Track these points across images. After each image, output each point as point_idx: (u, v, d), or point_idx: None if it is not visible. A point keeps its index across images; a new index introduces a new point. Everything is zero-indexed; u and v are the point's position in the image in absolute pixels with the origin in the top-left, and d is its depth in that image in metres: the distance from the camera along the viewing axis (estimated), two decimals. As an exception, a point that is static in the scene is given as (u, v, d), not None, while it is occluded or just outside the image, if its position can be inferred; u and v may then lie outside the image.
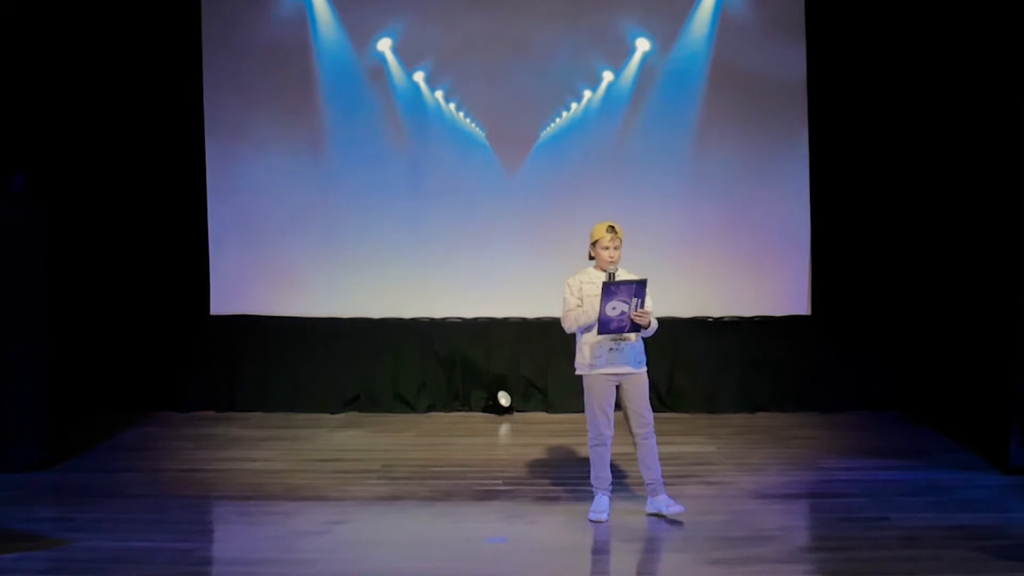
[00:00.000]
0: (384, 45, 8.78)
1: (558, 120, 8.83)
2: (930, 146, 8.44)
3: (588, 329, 5.98)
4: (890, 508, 6.24)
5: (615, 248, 5.94)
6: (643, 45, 8.77)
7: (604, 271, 5.93)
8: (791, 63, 8.74)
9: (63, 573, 5.39)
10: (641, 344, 6.07)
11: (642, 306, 5.83)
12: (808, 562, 5.55)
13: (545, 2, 8.78)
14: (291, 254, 8.87)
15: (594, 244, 5.99)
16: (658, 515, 6.09)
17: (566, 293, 6.04)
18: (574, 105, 8.82)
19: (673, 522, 6.02)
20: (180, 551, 5.63)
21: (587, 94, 8.81)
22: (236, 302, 8.91)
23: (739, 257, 8.82)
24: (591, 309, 5.87)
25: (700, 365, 8.86)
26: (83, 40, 8.39)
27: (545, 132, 8.83)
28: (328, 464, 7.36)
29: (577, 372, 6.13)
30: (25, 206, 7.15)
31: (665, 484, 6.15)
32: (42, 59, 7.47)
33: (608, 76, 8.79)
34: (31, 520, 6.11)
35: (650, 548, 5.84)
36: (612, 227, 5.94)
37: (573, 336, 6.13)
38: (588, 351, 6.03)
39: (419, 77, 8.81)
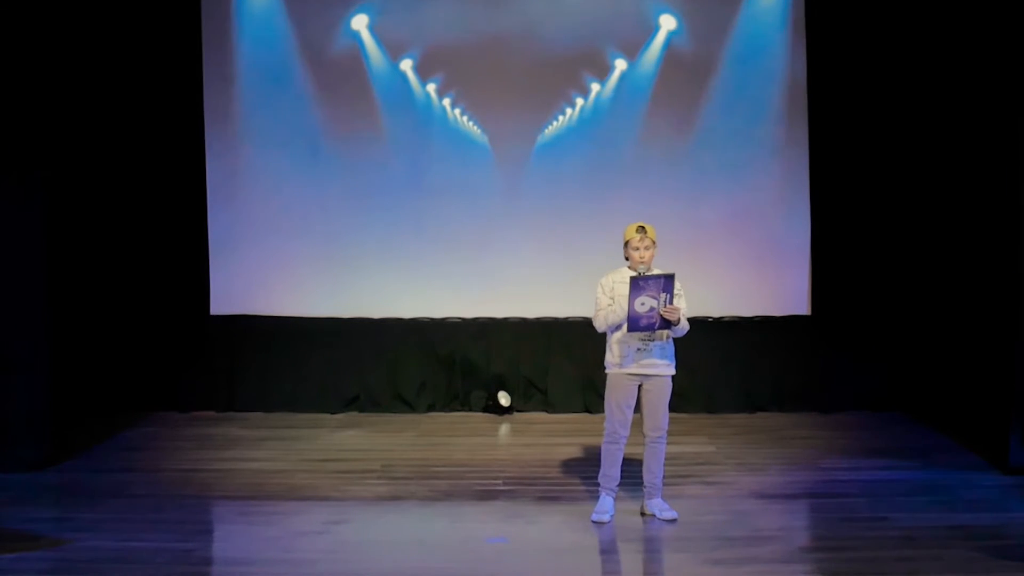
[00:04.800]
0: (385, 46, 8.77)
1: (558, 121, 8.82)
2: (930, 146, 8.43)
3: (619, 328, 5.99)
4: (890, 508, 6.24)
5: (645, 248, 5.94)
6: (641, 47, 8.76)
7: (635, 271, 5.93)
8: (791, 63, 8.74)
9: (63, 573, 5.39)
10: (671, 347, 6.06)
11: (671, 302, 5.82)
12: (808, 562, 5.55)
13: (546, 2, 8.77)
14: (291, 254, 8.87)
15: (626, 244, 6.01)
16: (653, 516, 6.10)
17: (598, 292, 6.06)
18: (573, 108, 8.81)
19: (672, 522, 6.02)
20: (180, 551, 5.63)
21: (587, 95, 8.80)
22: (236, 302, 8.90)
23: (739, 257, 8.81)
24: (620, 308, 5.88)
25: (700, 365, 8.83)
26: (83, 41, 8.38)
27: (545, 133, 8.83)
28: (328, 464, 7.36)
29: (606, 370, 6.14)
30: (25, 207, 7.15)
31: (665, 486, 6.16)
32: (43, 61, 7.47)
33: (608, 77, 8.77)
34: (31, 520, 6.11)
35: (650, 548, 5.84)
36: (642, 227, 5.96)
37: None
38: (617, 349, 6.03)
39: (419, 76, 8.79)
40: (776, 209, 8.83)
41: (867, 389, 8.79)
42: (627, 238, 5.99)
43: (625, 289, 5.85)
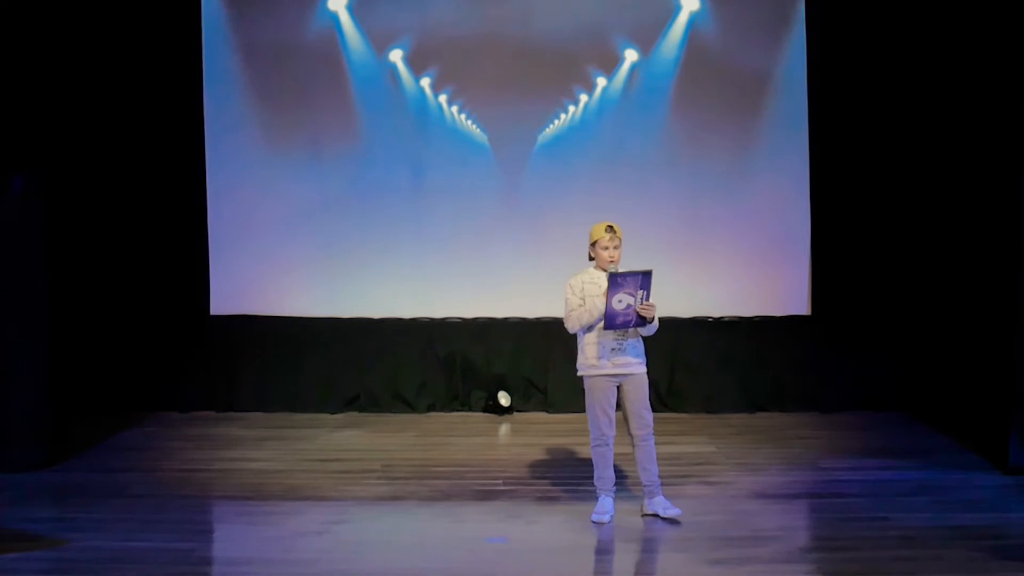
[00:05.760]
0: (386, 46, 8.75)
1: (558, 121, 8.82)
2: (931, 145, 8.43)
3: (591, 329, 5.98)
4: (890, 508, 6.24)
5: (614, 248, 5.94)
6: (641, 46, 8.74)
7: (604, 271, 5.93)
8: (791, 62, 8.73)
9: (63, 573, 5.39)
10: (641, 344, 6.07)
11: (648, 299, 5.82)
12: (808, 562, 5.55)
13: (546, 4, 8.76)
14: (291, 254, 8.87)
15: (593, 244, 6.00)
16: (655, 516, 6.09)
17: (568, 293, 6.04)
18: (574, 107, 8.80)
19: (673, 522, 6.01)
20: (180, 551, 5.63)
21: (586, 96, 8.79)
22: (236, 302, 8.90)
23: (739, 257, 8.81)
24: (593, 308, 5.88)
25: (700, 365, 8.85)
26: (83, 40, 8.38)
27: (545, 133, 8.82)
28: (328, 464, 7.36)
29: (579, 373, 6.13)
30: (25, 206, 7.14)
31: (663, 485, 6.15)
32: (43, 59, 7.47)
33: (607, 78, 8.77)
34: (31, 520, 6.11)
35: (650, 548, 5.84)
36: (611, 227, 5.94)
37: (575, 336, 6.13)
38: (590, 351, 6.02)
39: (417, 75, 8.79)
40: (776, 209, 8.83)
41: (867, 389, 8.79)
42: (595, 238, 5.98)
43: (595, 289, 5.88)
